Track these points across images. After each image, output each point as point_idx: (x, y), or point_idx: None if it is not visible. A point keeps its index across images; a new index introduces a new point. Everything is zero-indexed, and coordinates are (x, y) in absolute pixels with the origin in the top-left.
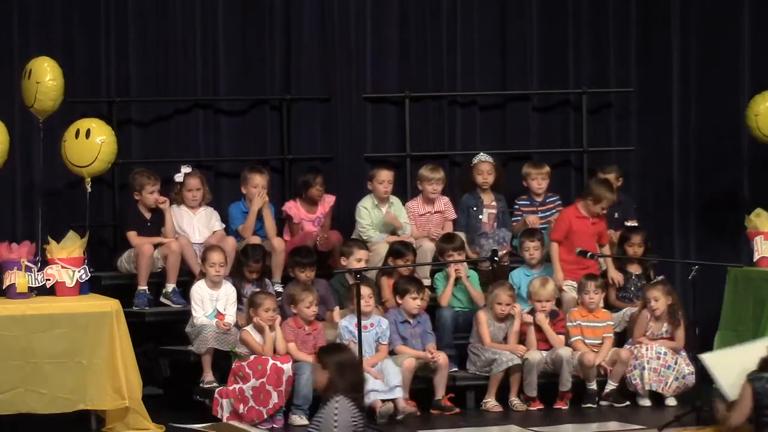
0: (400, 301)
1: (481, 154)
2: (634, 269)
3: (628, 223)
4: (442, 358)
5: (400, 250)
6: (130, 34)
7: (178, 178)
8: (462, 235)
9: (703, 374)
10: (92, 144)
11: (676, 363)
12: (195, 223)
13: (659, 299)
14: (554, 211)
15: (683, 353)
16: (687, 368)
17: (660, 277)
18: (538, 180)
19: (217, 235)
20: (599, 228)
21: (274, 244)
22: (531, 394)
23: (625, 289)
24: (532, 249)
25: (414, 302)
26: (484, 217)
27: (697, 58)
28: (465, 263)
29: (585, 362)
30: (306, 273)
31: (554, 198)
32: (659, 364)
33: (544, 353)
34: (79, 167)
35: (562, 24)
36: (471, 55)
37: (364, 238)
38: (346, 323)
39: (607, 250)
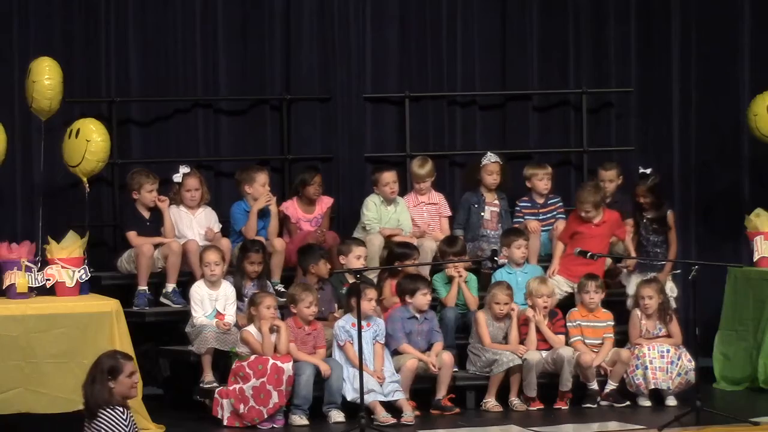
0: (410, 300)
1: (490, 154)
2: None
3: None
4: (447, 356)
5: (405, 252)
6: (130, 34)
7: (177, 178)
8: (460, 232)
9: (702, 373)
10: (80, 143)
11: (679, 359)
12: (194, 224)
13: (653, 297)
14: (555, 212)
15: (683, 348)
16: (689, 364)
17: (652, 274)
18: (545, 181)
19: (214, 235)
20: (608, 229)
21: (274, 244)
22: (530, 394)
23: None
24: (524, 248)
25: (425, 298)
26: (486, 215)
27: (697, 58)
28: (465, 267)
29: (582, 363)
30: (320, 265)
31: (555, 199)
32: (664, 362)
33: (544, 353)
34: (72, 167)
35: (562, 24)
36: (471, 55)
37: (367, 229)
38: (343, 323)
39: (628, 242)
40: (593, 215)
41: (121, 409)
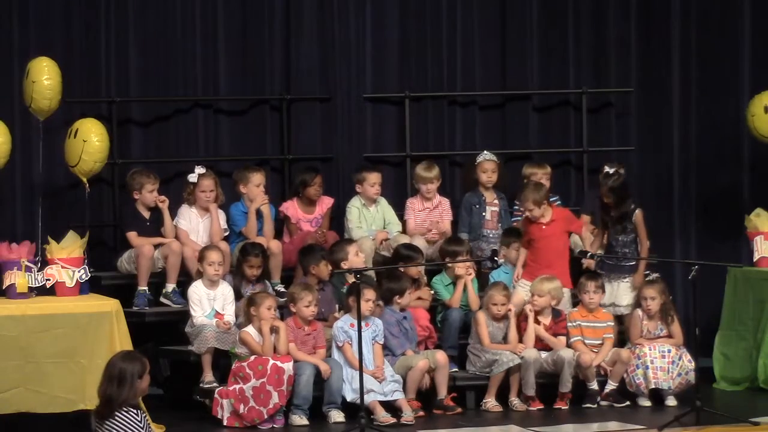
0: (399, 300)
1: (485, 152)
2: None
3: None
4: (441, 356)
5: (410, 255)
6: (130, 34)
7: (192, 178)
8: (466, 236)
9: (702, 373)
10: (77, 143)
11: (680, 359)
12: (201, 227)
13: (655, 298)
14: None
15: (684, 349)
16: (689, 364)
17: (655, 275)
18: (544, 180)
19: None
20: (559, 227)
21: (270, 246)
22: (529, 393)
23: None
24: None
25: (411, 297)
26: (487, 215)
27: (697, 58)
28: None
29: (582, 363)
30: (321, 266)
31: (554, 198)
32: (665, 362)
33: (544, 354)
34: (71, 167)
35: (562, 24)
36: (471, 55)
37: (355, 234)
38: (341, 324)
39: (588, 236)
40: (537, 214)
41: (135, 411)
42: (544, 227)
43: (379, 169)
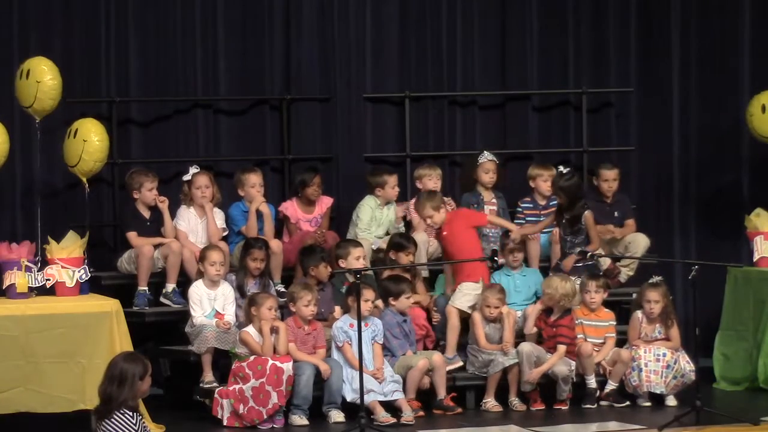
0: (393, 302)
1: (486, 153)
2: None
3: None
4: (437, 357)
5: (401, 243)
6: (130, 34)
7: (187, 177)
8: None
9: (702, 373)
10: (77, 143)
11: (675, 362)
12: (200, 228)
13: (659, 302)
14: None
15: (682, 351)
16: (687, 366)
17: (658, 278)
18: (550, 182)
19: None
20: (457, 227)
21: (271, 246)
22: (527, 389)
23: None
24: (515, 252)
25: (408, 301)
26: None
27: (697, 58)
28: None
29: (583, 353)
30: (321, 268)
31: (556, 201)
32: (660, 366)
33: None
34: (71, 167)
35: (562, 24)
36: (471, 55)
37: (360, 236)
38: (341, 324)
39: (494, 219)
40: (438, 220)
41: (131, 413)
42: (444, 233)
43: (396, 171)
